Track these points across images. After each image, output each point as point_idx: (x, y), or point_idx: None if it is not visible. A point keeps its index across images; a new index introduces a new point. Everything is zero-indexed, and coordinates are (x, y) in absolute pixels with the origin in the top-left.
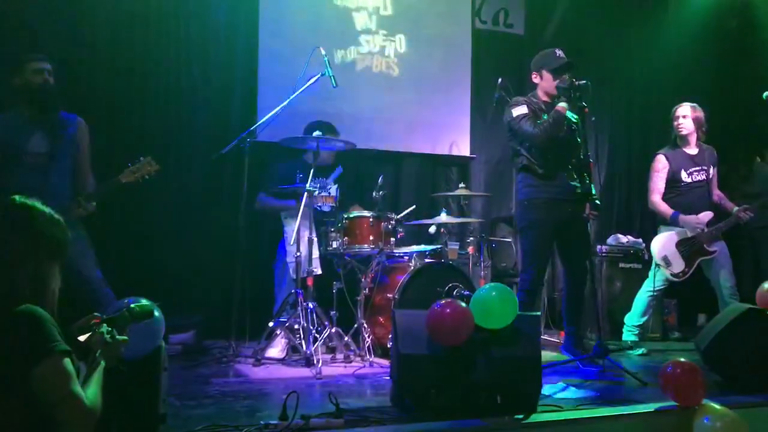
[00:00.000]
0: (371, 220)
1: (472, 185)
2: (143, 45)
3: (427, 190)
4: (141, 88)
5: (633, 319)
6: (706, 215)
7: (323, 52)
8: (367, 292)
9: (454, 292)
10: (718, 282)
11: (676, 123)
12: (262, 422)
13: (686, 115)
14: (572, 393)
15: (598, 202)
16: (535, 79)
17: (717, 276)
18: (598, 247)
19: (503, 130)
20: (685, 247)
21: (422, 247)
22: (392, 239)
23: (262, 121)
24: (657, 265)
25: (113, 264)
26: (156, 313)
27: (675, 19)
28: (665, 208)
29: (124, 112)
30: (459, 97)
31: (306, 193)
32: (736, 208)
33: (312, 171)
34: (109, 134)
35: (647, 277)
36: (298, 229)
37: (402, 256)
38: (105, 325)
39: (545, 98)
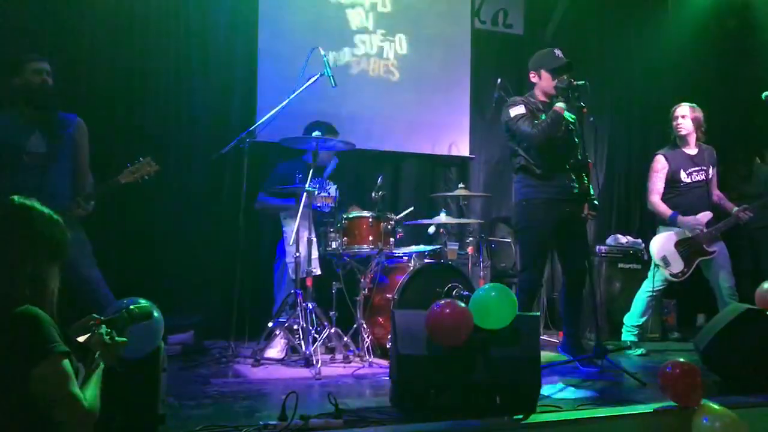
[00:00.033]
0: (370, 220)
1: (472, 185)
2: (143, 45)
3: (427, 190)
4: (140, 88)
5: (632, 319)
6: (705, 215)
7: (322, 52)
8: (366, 292)
9: (454, 293)
10: (717, 282)
11: (675, 123)
12: (261, 422)
13: (685, 116)
14: (571, 393)
15: (596, 202)
16: (533, 78)
17: (716, 276)
18: (598, 247)
19: (502, 130)
20: (684, 247)
21: (421, 248)
22: (391, 239)
23: (261, 121)
24: (656, 265)
25: (112, 264)
26: (155, 314)
27: (674, 20)
28: (664, 209)
29: (124, 112)
30: (458, 97)
31: (305, 194)
32: (735, 209)
33: (311, 171)
34: (109, 134)
35: (646, 277)
36: (298, 230)
37: (401, 257)
38: (104, 326)
39: (543, 98)
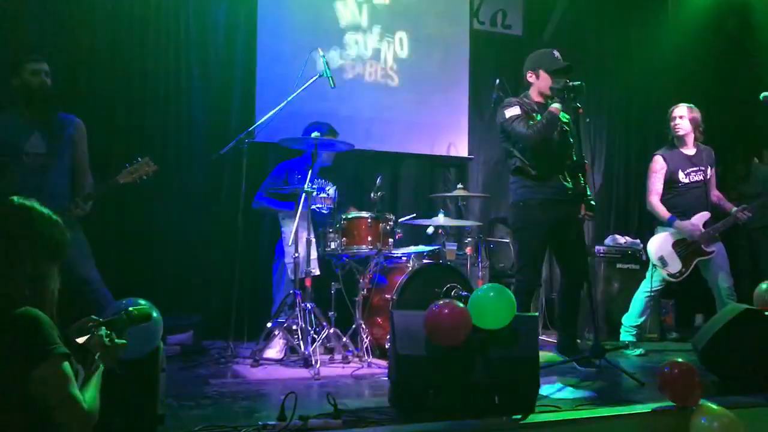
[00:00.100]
0: (369, 221)
1: (470, 186)
2: (142, 45)
3: (425, 190)
4: (140, 89)
5: (630, 319)
6: (703, 216)
7: (321, 53)
8: (365, 292)
9: (452, 293)
10: (716, 282)
11: (673, 124)
12: (260, 423)
13: (683, 116)
14: (570, 393)
15: (593, 202)
16: (531, 78)
17: (714, 276)
18: (596, 247)
19: (497, 131)
20: (682, 247)
21: (420, 248)
22: (390, 240)
23: (260, 121)
24: (654, 265)
25: (111, 264)
26: (154, 315)
27: (673, 20)
28: (663, 211)
29: (123, 113)
30: (457, 97)
31: (304, 194)
32: (734, 209)
33: (310, 172)
34: (108, 134)
35: (645, 277)
36: (297, 230)
37: (400, 257)
38: (104, 327)
39: (538, 99)
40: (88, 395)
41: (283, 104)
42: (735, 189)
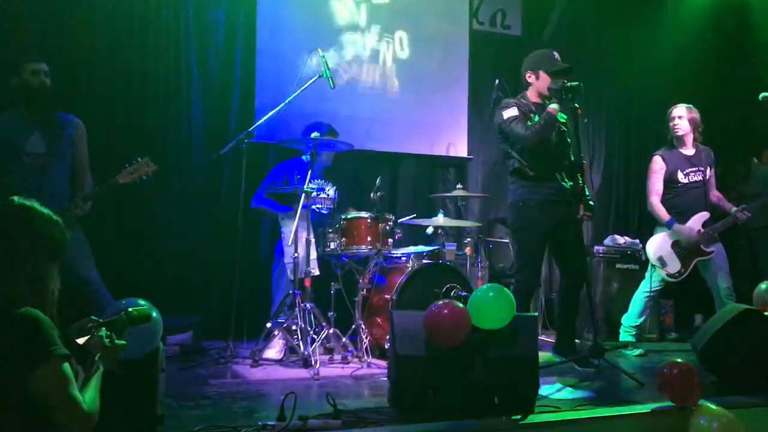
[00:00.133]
0: (369, 221)
1: (470, 186)
2: (142, 45)
3: (425, 191)
4: (140, 89)
5: (630, 319)
6: (702, 216)
7: (321, 53)
8: (364, 293)
9: (452, 293)
10: (715, 283)
11: (672, 124)
12: (259, 423)
13: (682, 116)
14: (569, 393)
15: (591, 203)
16: (530, 78)
17: (714, 277)
18: (596, 247)
19: (495, 132)
20: (681, 247)
21: (420, 248)
22: (390, 240)
23: (260, 122)
24: (653, 265)
25: (111, 264)
26: (154, 315)
27: (673, 20)
28: (663, 213)
29: (123, 113)
30: (456, 97)
31: (303, 194)
32: (734, 209)
33: (310, 172)
34: (108, 134)
35: (644, 277)
36: (296, 230)
37: (399, 257)
38: (104, 328)
39: (536, 99)
40: (88, 396)
41: (282, 105)
42: (734, 189)
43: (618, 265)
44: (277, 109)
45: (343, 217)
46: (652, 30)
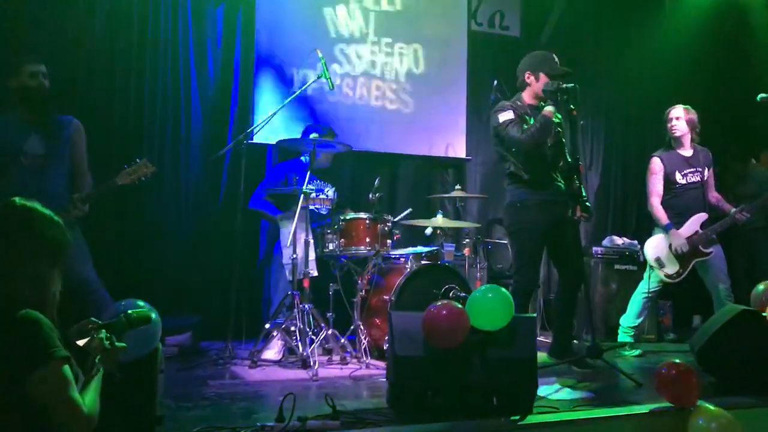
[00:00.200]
0: (368, 222)
1: (468, 187)
2: (141, 46)
3: (423, 191)
4: (138, 89)
5: (628, 320)
6: (700, 217)
7: (320, 54)
8: (363, 293)
9: (450, 294)
10: (714, 284)
11: (669, 125)
12: (258, 424)
13: (679, 117)
14: (568, 394)
15: (588, 204)
16: (528, 79)
17: (712, 278)
18: (594, 248)
19: (490, 135)
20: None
21: (418, 249)
22: (388, 241)
23: (258, 123)
24: (651, 266)
25: (110, 265)
26: (153, 317)
27: (671, 21)
28: (662, 216)
29: (122, 114)
30: (455, 98)
31: (302, 195)
32: (733, 210)
33: (308, 173)
34: (107, 136)
35: (642, 278)
36: (295, 231)
37: (398, 258)
38: (104, 330)
39: (532, 101)
40: (88, 399)
41: (281, 106)
42: (732, 190)
43: (616, 266)
44: (276, 111)
45: (342, 218)
46: (651, 31)
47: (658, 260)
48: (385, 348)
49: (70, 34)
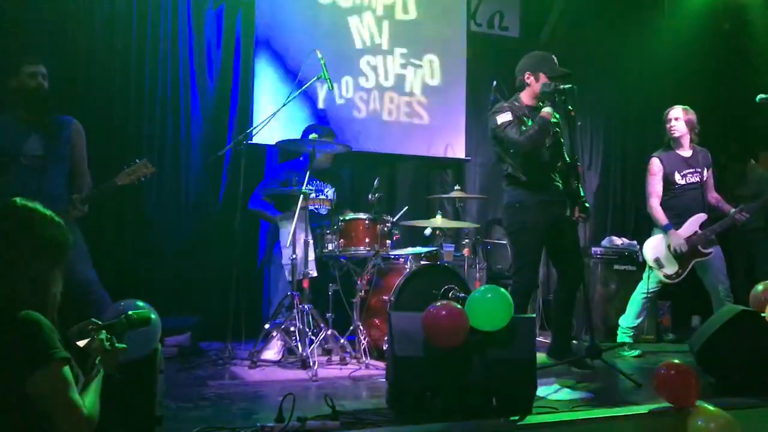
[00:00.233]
0: (367, 222)
1: (467, 187)
2: (140, 47)
3: (423, 192)
4: (138, 90)
5: (627, 320)
6: (699, 218)
7: (320, 55)
8: (362, 294)
9: (450, 294)
10: (713, 284)
11: (668, 126)
12: (258, 424)
13: (678, 118)
14: (567, 394)
15: (586, 204)
16: (528, 79)
17: (711, 278)
18: (593, 249)
19: (489, 136)
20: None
21: (418, 249)
22: (388, 241)
23: (257, 123)
24: (650, 267)
25: (109, 266)
26: (153, 317)
27: (670, 22)
28: (661, 217)
29: (121, 114)
30: (454, 99)
31: (302, 196)
32: (732, 210)
33: (308, 173)
34: (106, 136)
35: (642, 279)
36: (294, 232)
37: (397, 258)
38: (104, 331)
39: (530, 102)
40: (88, 400)
41: (281, 107)
42: (730, 190)
43: (615, 266)
44: (276, 111)
45: (341, 218)
46: (650, 32)
47: (657, 261)
48: (384, 348)
49: (70, 34)
